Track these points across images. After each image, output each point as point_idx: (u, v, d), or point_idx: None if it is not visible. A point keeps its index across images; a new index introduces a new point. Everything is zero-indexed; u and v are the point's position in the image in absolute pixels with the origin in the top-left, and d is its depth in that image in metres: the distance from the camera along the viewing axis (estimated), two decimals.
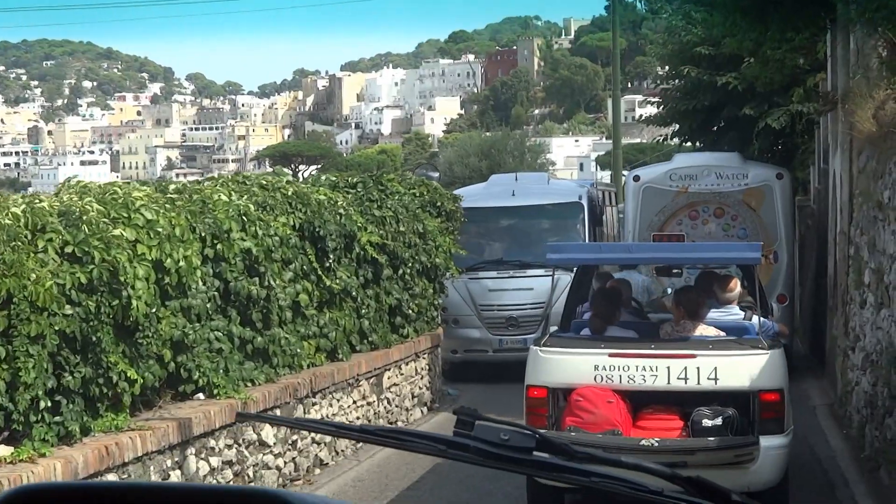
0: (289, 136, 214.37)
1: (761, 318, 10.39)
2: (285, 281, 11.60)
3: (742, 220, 18.10)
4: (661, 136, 30.84)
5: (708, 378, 9.36)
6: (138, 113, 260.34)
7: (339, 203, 12.97)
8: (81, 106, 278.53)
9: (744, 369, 9.40)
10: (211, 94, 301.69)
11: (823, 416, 14.95)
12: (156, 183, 11.15)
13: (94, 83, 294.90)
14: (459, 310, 18.99)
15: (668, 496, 2.18)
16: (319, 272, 12.26)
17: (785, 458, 9.36)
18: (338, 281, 12.70)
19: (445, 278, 16.92)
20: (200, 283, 9.93)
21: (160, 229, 9.10)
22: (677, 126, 29.02)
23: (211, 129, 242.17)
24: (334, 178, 14.48)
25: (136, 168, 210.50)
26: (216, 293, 10.37)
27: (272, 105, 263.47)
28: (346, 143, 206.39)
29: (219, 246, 10.35)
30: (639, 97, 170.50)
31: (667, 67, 29.35)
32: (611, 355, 9.57)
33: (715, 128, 28.10)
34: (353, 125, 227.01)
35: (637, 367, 9.50)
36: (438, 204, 16.90)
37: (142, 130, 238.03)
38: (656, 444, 9.15)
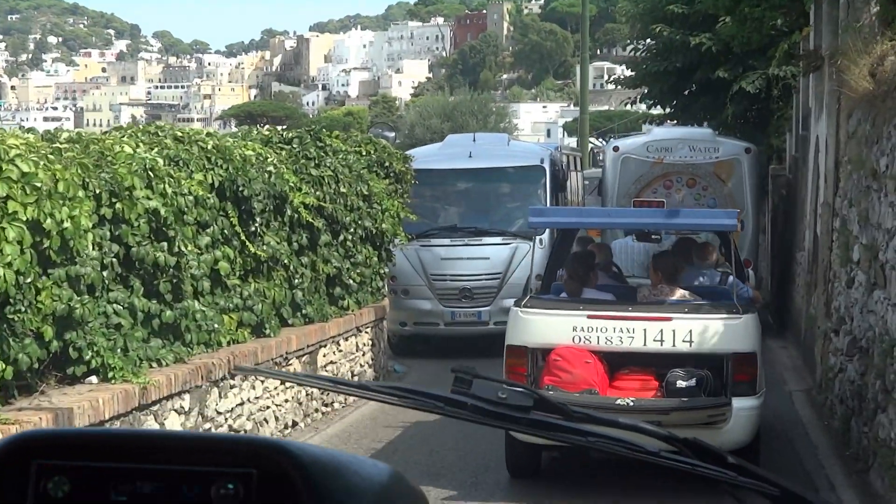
0: (255, 97, 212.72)
1: (736, 283, 10.63)
2: (201, 247, 10.18)
3: (712, 190, 18.84)
4: (628, 98, 29.47)
5: (683, 340, 9.56)
6: (103, 70, 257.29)
7: (269, 160, 11.54)
8: (46, 61, 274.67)
9: (718, 332, 9.57)
10: (177, 53, 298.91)
11: (801, 403, 13.71)
12: (45, 131, 9.68)
13: (60, 39, 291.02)
14: (409, 279, 17.64)
15: (664, 457, 2.18)
16: (243, 237, 10.85)
17: (756, 420, 9.57)
18: (265, 247, 11.30)
19: (393, 246, 15.55)
20: (93, 248, 8.49)
21: (39, 184, 7.65)
22: (647, 89, 27.66)
23: (177, 87, 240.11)
24: (267, 133, 13.03)
25: (100, 125, 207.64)
26: (114, 260, 8.93)
27: (239, 65, 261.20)
28: (313, 104, 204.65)
29: (118, 205, 8.91)
30: (608, 64, 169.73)
31: (638, 27, 27.98)
32: (589, 317, 9.75)
33: (687, 91, 26.74)
34: (321, 86, 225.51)
35: (614, 328, 9.69)
36: (387, 164, 15.51)
37: (106, 87, 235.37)
38: (631, 404, 9.33)
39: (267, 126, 16.16)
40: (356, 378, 14.32)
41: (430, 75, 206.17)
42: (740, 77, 24.10)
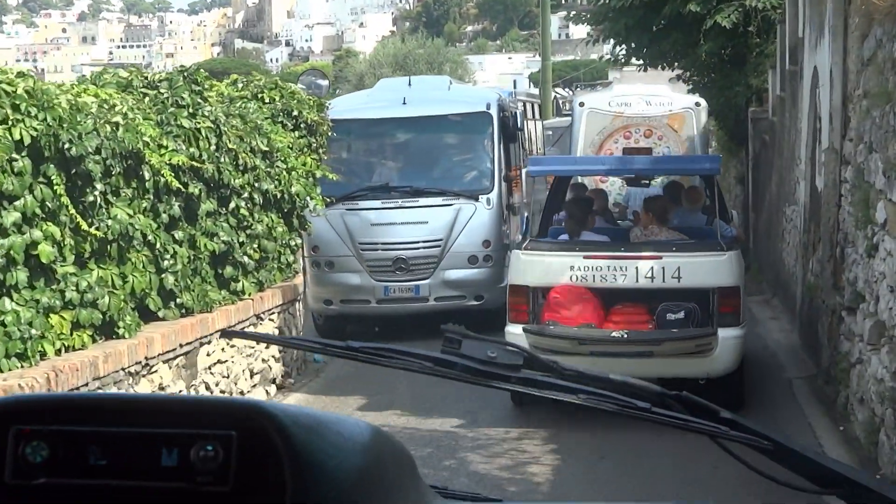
0: (218, 54, 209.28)
1: (721, 223, 11.30)
2: (8, 224, 7.50)
3: (666, 139, 20.16)
4: (589, 37, 26.70)
5: (672, 277, 10.22)
6: (63, 30, 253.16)
7: (116, 108, 8.82)
8: (6, 23, 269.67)
9: (704, 269, 10.26)
10: (140, 12, 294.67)
11: (805, 397, 11.16)
12: None
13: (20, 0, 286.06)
14: (334, 249, 15.01)
15: (656, 413, 2.16)
16: (73, 212, 8.14)
17: (741, 348, 10.34)
18: (111, 222, 8.60)
19: (309, 211, 12.92)
20: None
21: None
22: (610, 25, 24.90)
23: (139, 46, 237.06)
24: (126, 75, 10.28)
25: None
26: None
27: (201, 22, 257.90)
28: (276, 61, 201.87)
29: None
30: (573, 12, 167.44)
31: None
32: (585, 257, 10.44)
33: (655, 28, 24.01)
34: (284, 43, 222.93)
35: (609, 267, 10.38)
36: (295, 114, 12.81)
37: (67, 48, 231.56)
38: (626, 336, 10.05)
39: (132, 65, 13.46)
40: (257, 377, 11.69)
41: (395, 28, 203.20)
42: (714, 10, 21.43)
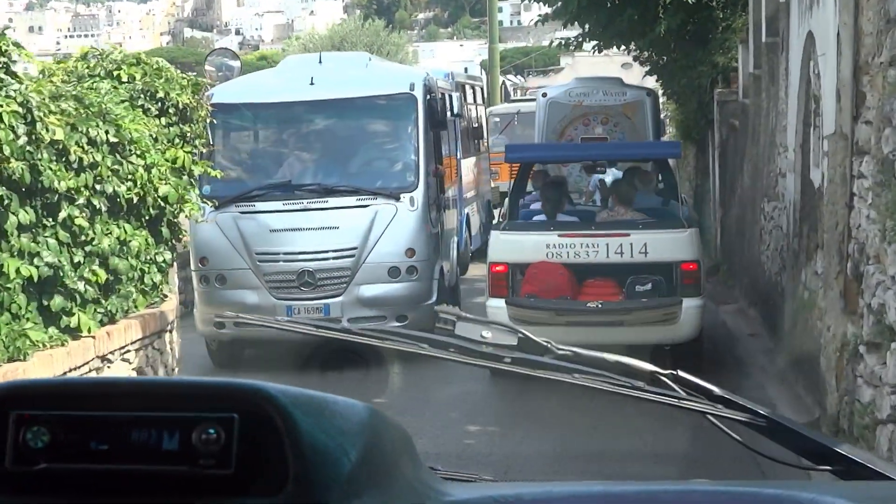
0: (167, 44, 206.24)
1: (675, 204, 12.54)
2: None
3: (621, 126, 21.65)
4: (539, 17, 24.19)
5: (639, 252, 11.25)
6: (10, 20, 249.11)
7: None
8: None
9: (668, 244, 11.31)
10: (88, 2, 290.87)
11: None
12: None
13: None
14: (225, 261, 12.46)
15: (650, 391, 2.21)
16: None
17: (701, 316, 11.33)
18: None
19: (187, 217, 10.39)
20: None
21: None
22: (560, 3, 22.37)
23: (86, 36, 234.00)
24: None
25: None
26: None
27: (150, 11, 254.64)
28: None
29: None
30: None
31: None
32: (560, 236, 11.45)
33: (609, 4, 21.50)
34: (234, 31, 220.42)
35: (581, 244, 11.36)
36: (161, 95, 10.21)
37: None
38: (600, 306, 11.15)
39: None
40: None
41: (346, 16, 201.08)
42: None
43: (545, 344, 2.32)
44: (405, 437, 1.97)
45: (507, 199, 13.17)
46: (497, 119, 34.77)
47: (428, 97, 13.13)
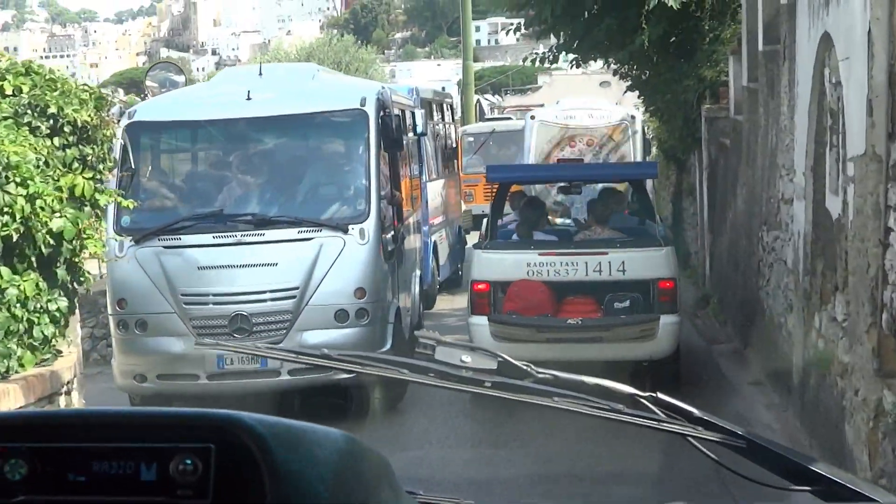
0: (143, 64, 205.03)
1: (651, 224, 12.92)
2: None
3: (606, 148, 22.85)
4: (510, 25, 22.57)
5: (617, 270, 11.39)
6: None
7: None
8: None
9: (645, 262, 11.45)
10: (64, 22, 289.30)
11: None
12: None
13: None
14: (147, 304, 10.78)
15: (630, 414, 2.23)
16: None
17: (678, 332, 11.46)
18: None
19: (85, 257, 8.76)
20: None
21: None
22: (532, 12, 20.78)
23: (62, 56, 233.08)
24: None
25: None
26: None
27: (125, 32, 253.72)
28: (203, 69, 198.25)
29: None
30: (501, 19, 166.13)
31: None
32: (540, 254, 11.55)
33: (586, 13, 19.93)
34: (210, 51, 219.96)
35: (561, 263, 11.48)
36: (53, 111, 8.56)
37: None
38: (580, 322, 11.26)
39: None
40: None
41: (322, 35, 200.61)
42: None
43: (525, 368, 2.35)
44: (384, 463, 2.02)
45: (485, 220, 13.19)
46: (471, 139, 33.26)
47: (382, 113, 11.48)
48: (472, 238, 19.40)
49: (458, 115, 32.11)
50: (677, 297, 11.57)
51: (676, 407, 2.27)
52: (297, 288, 10.72)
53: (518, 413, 9.70)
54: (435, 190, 18.71)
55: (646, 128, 28.36)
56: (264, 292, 10.71)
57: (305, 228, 10.86)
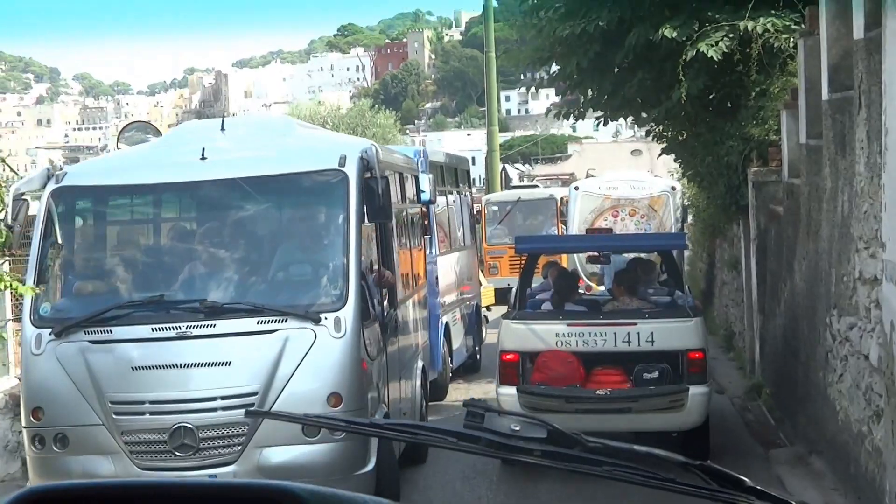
0: None
1: (680, 294, 12.65)
2: None
3: (648, 218, 24.00)
4: (533, 81, 20.51)
5: (646, 341, 11.41)
6: (19, 113, 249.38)
7: None
8: None
9: (674, 333, 11.45)
10: (98, 94, 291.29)
11: None
12: None
13: None
14: (68, 414, 8.72)
15: (680, 483, 2.20)
16: None
17: (707, 404, 11.40)
18: None
19: None
20: None
21: None
22: (558, 68, 18.70)
23: (95, 129, 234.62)
24: None
25: (18, 170, 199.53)
26: None
27: (157, 103, 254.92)
28: None
29: None
30: (532, 89, 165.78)
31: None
32: (568, 325, 11.57)
33: (616, 68, 17.87)
34: None
35: (590, 333, 11.49)
36: None
37: (21, 131, 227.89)
38: (609, 394, 11.24)
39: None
40: None
41: (352, 105, 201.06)
42: (697, 37, 15.51)
43: (575, 436, 2.33)
44: None
45: (513, 290, 13.03)
46: (495, 208, 31.23)
47: (367, 176, 9.36)
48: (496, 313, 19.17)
49: (479, 183, 30.39)
50: (706, 367, 11.66)
51: (727, 476, 2.24)
52: (255, 394, 8.59)
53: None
54: (448, 264, 16.63)
55: (683, 195, 27.28)
56: (214, 399, 8.60)
57: (267, 318, 8.75)
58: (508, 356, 11.57)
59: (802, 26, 13.01)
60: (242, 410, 8.47)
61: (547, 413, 10.50)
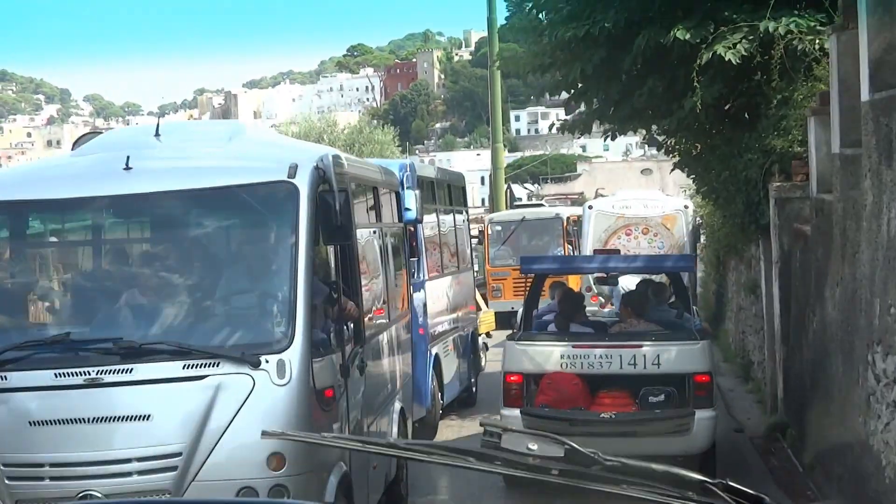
0: None
1: (688, 317, 12.76)
2: None
3: (661, 236, 24.37)
4: (532, 90, 19.04)
5: (652, 364, 11.33)
6: (28, 135, 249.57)
7: None
8: None
9: (680, 356, 11.34)
10: (108, 116, 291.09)
11: None
12: None
13: None
14: None
15: (700, 501, 2.16)
16: None
17: (714, 427, 11.27)
18: None
19: None
20: None
21: None
22: (560, 76, 17.11)
23: None
24: None
25: None
26: None
27: None
28: None
29: None
30: (542, 108, 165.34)
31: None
32: (574, 346, 11.51)
33: (624, 75, 16.32)
34: None
35: (595, 355, 11.41)
36: None
37: (31, 152, 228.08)
38: (614, 417, 11.13)
39: None
40: None
41: (349, 124, 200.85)
42: (713, 39, 13.99)
43: (592, 455, 2.35)
44: None
45: (520, 311, 12.96)
46: (498, 227, 29.70)
47: (322, 189, 7.83)
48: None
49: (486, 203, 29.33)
50: (713, 391, 11.60)
51: (748, 494, 2.21)
52: (178, 454, 7.07)
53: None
54: (439, 290, 15.13)
55: (695, 214, 26.34)
56: (129, 461, 7.09)
57: (196, 361, 7.22)
58: (513, 377, 11.54)
59: (834, 22, 11.48)
60: (166, 474, 6.97)
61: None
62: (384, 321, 10.54)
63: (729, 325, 24.85)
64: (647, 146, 26.37)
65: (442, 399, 14.84)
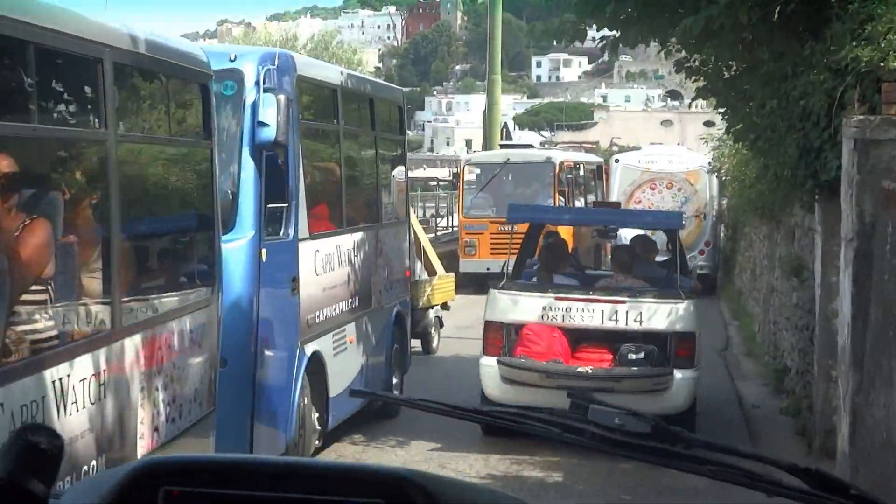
0: None
1: (680, 276, 12.01)
2: None
3: (684, 191, 25.33)
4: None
5: (634, 320, 11.25)
6: None
7: None
8: None
9: (663, 314, 11.24)
10: None
11: None
12: None
13: None
14: None
15: (785, 487, 2.13)
16: None
17: (694, 388, 11.23)
18: None
19: None
20: None
21: None
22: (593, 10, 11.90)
23: None
24: None
25: None
26: None
27: None
28: None
29: None
30: (564, 55, 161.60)
31: None
32: (556, 298, 11.40)
33: None
34: None
35: (577, 309, 11.32)
36: None
37: None
38: (590, 372, 11.05)
39: None
40: None
41: (381, 65, 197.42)
42: None
43: (678, 432, 2.27)
44: None
45: (511, 259, 12.21)
46: (477, 170, 24.45)
47: None
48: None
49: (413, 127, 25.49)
50: (696, 351, 11.37)
51: (834, 480, 2.13)
52: None
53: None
54: (329, 253, 10.11)
55: (719, 166, 25.53)
56: None
57: None
58: (493, 326, 11.47)
59: None
60: None
61: (526, 387, 10.86)
62: (138, 315, 5.59)
63: (754, 306, 19.93)
64: (668, 98, 21.19)
65: (328, 419, 9.89)
